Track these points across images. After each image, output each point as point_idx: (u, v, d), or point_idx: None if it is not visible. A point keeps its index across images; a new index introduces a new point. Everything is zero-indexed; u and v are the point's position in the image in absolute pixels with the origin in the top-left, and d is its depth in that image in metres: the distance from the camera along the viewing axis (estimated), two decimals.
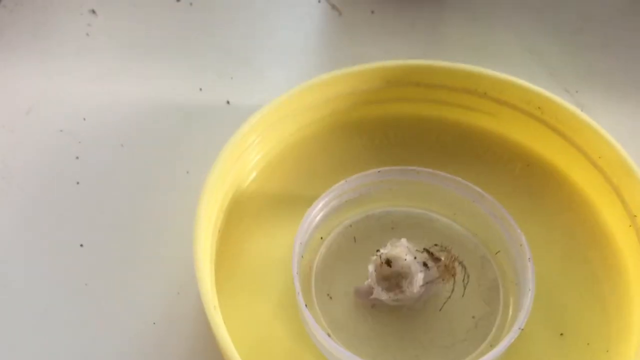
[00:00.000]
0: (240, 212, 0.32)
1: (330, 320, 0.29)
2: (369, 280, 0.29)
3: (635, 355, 0.27)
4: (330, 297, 0.30)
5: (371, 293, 0.29)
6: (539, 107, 0.33)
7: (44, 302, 0.31)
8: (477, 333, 0.29)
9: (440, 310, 0.29)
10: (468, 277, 0.30)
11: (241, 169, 0.33)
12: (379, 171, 0.32)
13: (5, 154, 0.36)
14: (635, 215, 0.30)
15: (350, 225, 0.32)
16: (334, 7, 0.44)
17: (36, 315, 0.31)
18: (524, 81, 0.33)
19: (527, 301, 0.28)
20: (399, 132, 0.35)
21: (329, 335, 0.28)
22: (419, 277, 0.28)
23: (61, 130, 0.37)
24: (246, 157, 0.33)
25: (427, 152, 0.34)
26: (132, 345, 0.30)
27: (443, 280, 0.29)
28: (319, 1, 0.44)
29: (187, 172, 0.35)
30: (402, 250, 0.29)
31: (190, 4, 0.43)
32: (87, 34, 0.41)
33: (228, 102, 0.38)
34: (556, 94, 0.33)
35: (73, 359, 0.29)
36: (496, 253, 0.31)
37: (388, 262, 0.29)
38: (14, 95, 0.38)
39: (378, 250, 0.29)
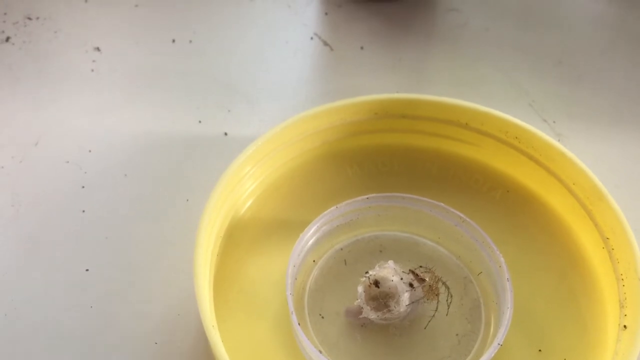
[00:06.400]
0: (237, 237, 0.33)
1: (322, 339, 0.30)
2: (359, 300, 0.30)
3: None
4: (322, 317, 0.30)
5: (361, 313, 0.30)
6: (516, 137, 0.34)
7: (50, 324, 0.32)
8: (460, 350, 0.30)
9: (425, 328, 0.30)
10: (451, 296, 0.30)
11: (238, 197, 0.33)
12: (367, 198, 0.32)
13: (15, 183, 0.37)
14: (607, 238, 0.31)
15: (341, 249, 0.33)
16: (325, 43, 0.45)
17: (43, 337, 0.31)
18: (503, 113, 0.34)
19: (506, 318, 0.29)
20: (387, 161, 0.36)
21: (320, 353, 0.28)
22: (405, 297, 0.29)
23: (68, 161, 0.38)
24: (242, 185, 0.33)
25: (413, 179, 0.35)
26: None
27: (428, 299, 0.30)
28: (312, 38, 0.45)
29: (187, 200, 0.36)
30: (390, 272, 0.30)
31: (190, 41, 0.44)
32: (92, 70, 0.42)
33: (225, 134, 0.39)
34: (534, 124, 0.34)
35: None
36: (478, 274, 0.32)
37: (376, 283, 0.29)
38: (23, 127, 0.39)
39: (367, 272, 0.30)
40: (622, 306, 0.30)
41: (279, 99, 0.42)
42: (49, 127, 0.39)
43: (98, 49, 0.44)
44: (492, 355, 0.28)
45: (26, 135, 0.39)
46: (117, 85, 0.42)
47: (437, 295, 0.30)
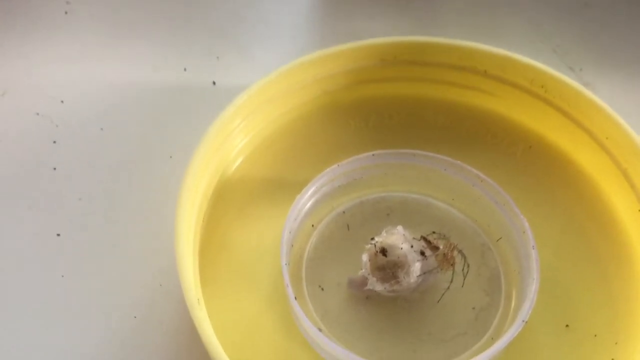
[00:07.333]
0: (226, 199, 0.32)
1: (322, 313, 0.29)
2: (363, 270, 0.29)
3: None
4: (322, 289, 0.30)
5: (365, 284, 0.29)
6: (542, 86, 0.33)
7: (18, 295, 0.31)
8: (477, 325, 0.29)
9: (438, 301, 0.29)
10: (468, 266, 0.29)
11: (227, 154, 0.32)
12: (373, 154, 0.31)
13: None
14: None
15: (343, 212, 0.32)
16: None
17: (10, 309, 0.30)
18: (527, 58, 0.33)
19: (532, 292, 0.27)
20: (395, 113, 0.35)
21: (320, 330, 0.28)
22: (416, 267, 0.28)
23: (38, 114, 0.37)
24: (232, 140, 0.32)
25: (424, 134, 0.34)
26: (112, 340, 0.29)
27: (441, 269, 0.29)
28: None
29: (170, 157, 0.35)
30: (398, 239, 0.29)
31: None
32: (66, 12, 0.41)
33: (214, 83, 0.38)
34: (560, 72, 0.33)
35: (49, 354, 0.29)
36: (497, 240, 0.31)
37: (383, 251, 0.28)
38: None
39: (373, 239, 0.29)
40: None
41: (273, 45, 0.41)
42: (17, 76, 0.38)
43: None
44: (516, 333, 0.26)
45: None
46: (93, 29, 0.40)
47: (452, 264, 0.29)
